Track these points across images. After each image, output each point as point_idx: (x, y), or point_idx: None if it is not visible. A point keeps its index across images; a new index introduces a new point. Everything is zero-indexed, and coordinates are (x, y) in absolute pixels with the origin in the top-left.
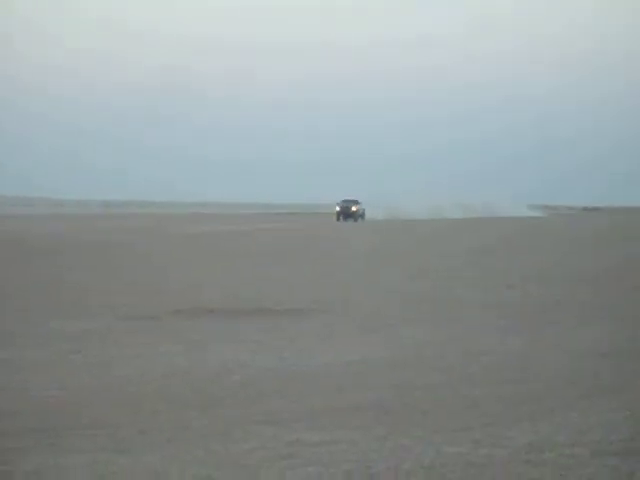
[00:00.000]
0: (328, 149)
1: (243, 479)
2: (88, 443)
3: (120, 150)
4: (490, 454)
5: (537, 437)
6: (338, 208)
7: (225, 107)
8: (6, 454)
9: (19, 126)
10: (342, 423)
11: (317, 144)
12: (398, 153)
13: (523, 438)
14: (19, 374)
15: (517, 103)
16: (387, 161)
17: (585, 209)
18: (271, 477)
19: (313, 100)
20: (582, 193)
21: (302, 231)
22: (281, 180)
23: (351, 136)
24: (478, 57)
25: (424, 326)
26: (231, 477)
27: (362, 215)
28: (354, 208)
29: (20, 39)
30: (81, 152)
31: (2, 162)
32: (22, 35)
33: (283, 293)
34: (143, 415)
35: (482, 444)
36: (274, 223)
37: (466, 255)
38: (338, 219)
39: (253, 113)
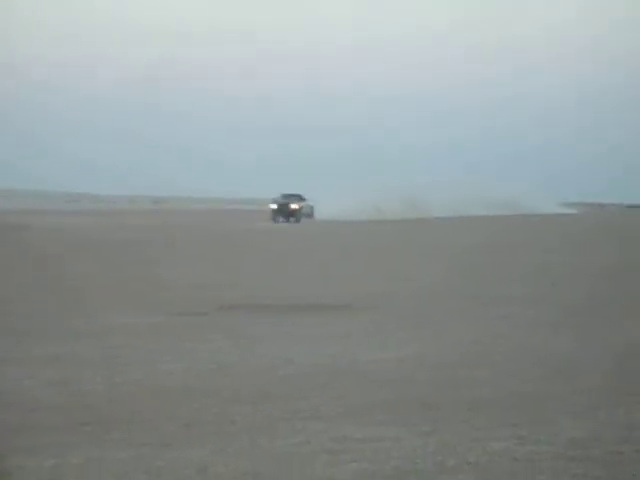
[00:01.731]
0: (345, 144)
1: (289, 474)
2: (134, 437)
3: (121, 145)
4: (535, 450)
5: (583, 434)
6: (275, 206)
7: (226, 103)
8: (54, 448)
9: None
10: (387, 419)
11: (333, 139)
12: (415, 146)
13: (568, 434)
14: (67, 369)
15: (556, 92)
16: (402, 155)
17: (630, 207)
18: (317, 472)
19: (319, 94)
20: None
21: (329, 227)
22: (295, 176)
23: (366, 131)
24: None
25: (470, 323)
26: (277, 472)
27: (309, 214)
28: (295, 205)
29: (20, 33)
30: (86, 147)
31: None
32: (22, 29)
33: (327, 289)
34: (189, 409)
35: (527, 440)
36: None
37: (490, 253)
38: (275, 220)
39: (255, 109)
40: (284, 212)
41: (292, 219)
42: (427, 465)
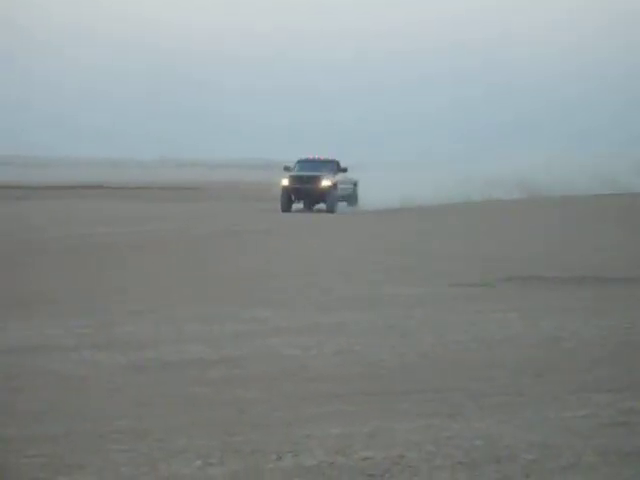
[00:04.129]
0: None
1: (576, 446)
2: (421, 407)
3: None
4: None
5: None
6: (286, 181)
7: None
8: (341, 417)
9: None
10: None
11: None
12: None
13: None
14: (352, 339)
15: None
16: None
17: None
18: (605, 445)
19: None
20: None
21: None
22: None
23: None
24: None
25: None
26: (565, 443)
27: (350, 196)
28: (325, 182)
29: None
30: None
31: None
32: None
33: (602, 260)
34: (475, 380)
35: None
36: None
37: None
38: (287, 208)
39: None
40: (305, 191)
41: (318, 205)
42: None
